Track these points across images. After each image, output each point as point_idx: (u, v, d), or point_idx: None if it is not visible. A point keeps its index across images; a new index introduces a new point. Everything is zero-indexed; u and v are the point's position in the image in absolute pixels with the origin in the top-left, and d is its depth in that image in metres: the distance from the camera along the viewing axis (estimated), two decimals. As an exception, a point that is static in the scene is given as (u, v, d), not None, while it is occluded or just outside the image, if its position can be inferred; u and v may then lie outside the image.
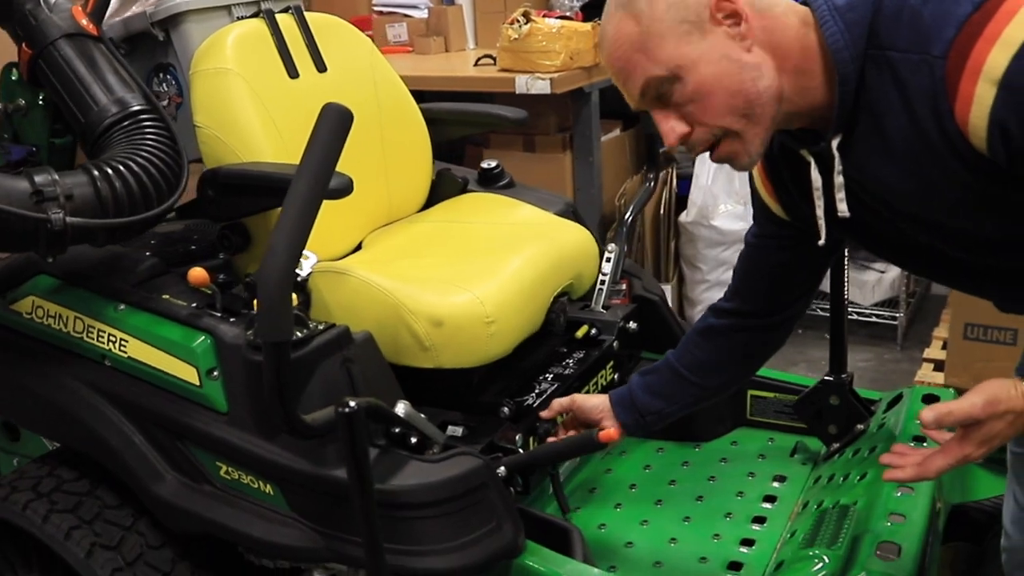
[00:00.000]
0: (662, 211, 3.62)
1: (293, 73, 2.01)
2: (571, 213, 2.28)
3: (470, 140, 3.80)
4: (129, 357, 1.69)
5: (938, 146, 1.22)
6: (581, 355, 2.06)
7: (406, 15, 4.24)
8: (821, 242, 1.42)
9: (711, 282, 3.74)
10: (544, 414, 1.85)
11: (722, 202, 3.66)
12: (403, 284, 1.76)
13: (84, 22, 1.83)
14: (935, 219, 1.33)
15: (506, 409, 1.82)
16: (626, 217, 2.45)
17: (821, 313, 3.46)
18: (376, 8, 4.36)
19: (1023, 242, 1.31)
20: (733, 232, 3.60)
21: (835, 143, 1.33)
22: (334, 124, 1.34)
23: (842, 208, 1.36)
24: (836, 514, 1.71)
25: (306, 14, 2.09)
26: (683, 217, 3.74)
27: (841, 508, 1.72)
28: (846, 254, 2.06)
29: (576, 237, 2.06)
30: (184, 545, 1.77)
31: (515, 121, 2.29)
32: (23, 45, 1.85)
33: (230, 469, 1.64)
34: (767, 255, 1.71)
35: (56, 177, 1.57)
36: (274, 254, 1.29)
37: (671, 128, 1.33)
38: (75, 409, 1.73)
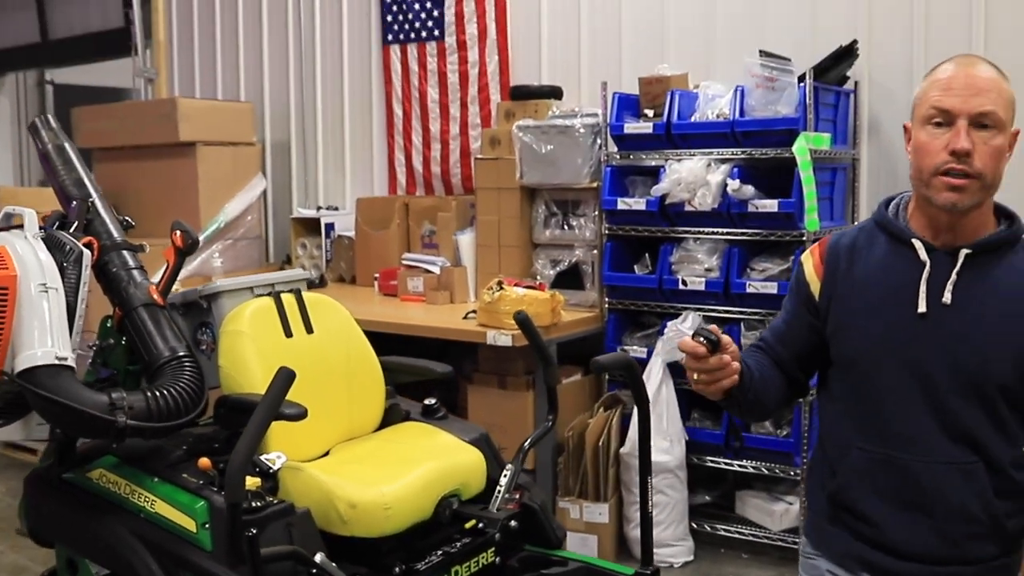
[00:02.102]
0: (601, 442, 4.51)
1: (288, 334, 3.05)
2: (483, 440, 3.22)
3: (462, 375, 4.78)
4: (156, 512, 2.65)
5: None
6: (467, 540, 2.96)
7: (426, 270, 5.33)
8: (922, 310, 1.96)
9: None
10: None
11: (654, 440, 4.53)
12: (336, 479, 2.73)
13: (155, 296, 2.89)
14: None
15: (397, 569, 2.72)
16: (524, 446, 3.36)
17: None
18: (404, 262, 5.47)
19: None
20: (661, 463, 4.44)
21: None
22: (283, 379, 2.33)
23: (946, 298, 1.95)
24: None
25: (303, 294, 3.14)
26: (623, 449, 4.62)
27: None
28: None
29: (468, 458, 3.02)
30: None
31: (442, 374, 3.30)
32: (117, 307, 2.91)
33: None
34: (795, 325, 2.19)
35: (124, 395, 2.58)
36: (236, 453, 2.26)
37: (968, 140, 1.89)
38: (119, 546, 2.69)
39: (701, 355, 1.92)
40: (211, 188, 5.99)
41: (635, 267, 4.73)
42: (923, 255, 1.99)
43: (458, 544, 2.93)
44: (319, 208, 6.32)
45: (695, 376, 1.97)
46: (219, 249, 6.03)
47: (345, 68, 6.33)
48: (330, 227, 6.07)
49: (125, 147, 6.20)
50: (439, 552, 2.87)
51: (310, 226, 6.19)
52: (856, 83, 4.51)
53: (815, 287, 2.15)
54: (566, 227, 4.92)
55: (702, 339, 1.91)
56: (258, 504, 2.49)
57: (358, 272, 5.83)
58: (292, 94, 6.61)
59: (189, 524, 2.58)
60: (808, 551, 2.19)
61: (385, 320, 4.58)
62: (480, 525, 3.00)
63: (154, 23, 7.26)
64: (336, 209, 6.26)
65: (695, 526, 4.54)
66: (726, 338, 1.96)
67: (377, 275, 5.53)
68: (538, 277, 4.82)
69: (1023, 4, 4.15)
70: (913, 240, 2.02)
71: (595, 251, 4.79)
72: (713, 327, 1.97)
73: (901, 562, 2.00)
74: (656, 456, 4.51)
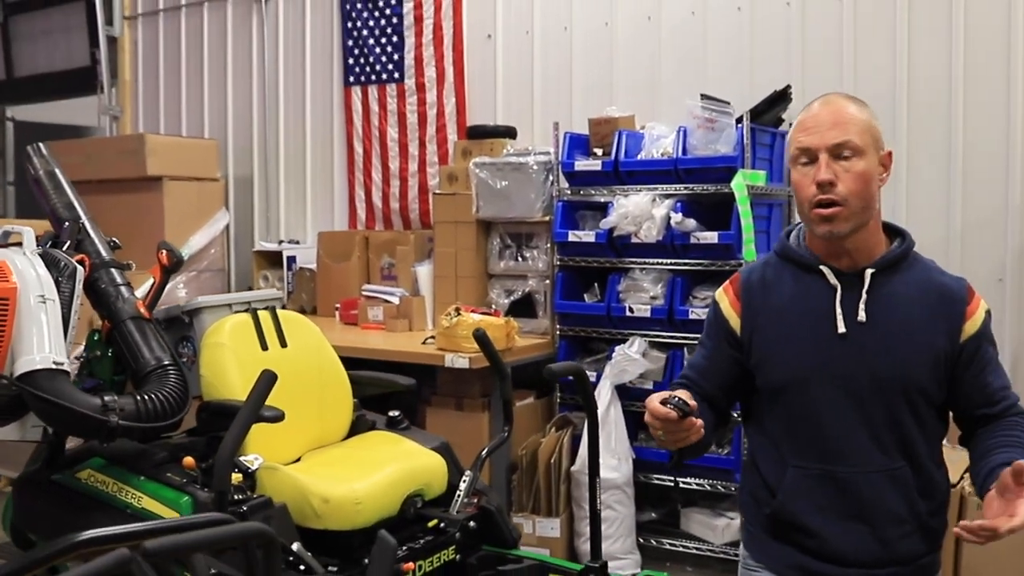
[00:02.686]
0: (553, 460, 4.76)
1: (264, 347, 3.28)
2: (443, 448, 3.46)
3: (421, 398, 5.01)
4: (142, 508, 2.86)
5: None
6: (430, 538, 3.19)
7: (385, 300, 5.57)
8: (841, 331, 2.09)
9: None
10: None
11: (601, 456, 4.79)
12: (310, 477, 2.95)
13: (142, 310, 3.12)
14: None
15: (366, 561, 2.94)
16: (482, 454, 3.60)
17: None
18: (364, 293, 5.71)
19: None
20: (610, 480, 4.69)
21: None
22: (266, 381, 2.57)
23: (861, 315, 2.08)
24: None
25: (278, 311, 3.38)
26: (574, 467, 4.87)
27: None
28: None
29: (430, 461, 3.26)
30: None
31: (406, 386, 3.54)
32: (105, 320, 3.13)
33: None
34: (717, 360, 2.28)
35: (116, 398, 2.80)
36: (224, 446, 2.49)
37: (829, 171, 2.03)
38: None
39: (672, 420, 1.97)
40: (176, 221, 6.19)
41: (585, 296, 5.01)
42: (832, 280, 2.13)
43: (422, 541, 3.16)
44: (280, 242, 6.55)
45: (660, 435, 2.03)
46: (183, 280, 6.21)
47: (307, 107, 6.59)
48: (292, 260, 6.29)
49: (92, 181, 6.36)
50: (404, 548, 3.10)
51: (272, 259, 6.40)
52: (790, 124, 4.84)
53: (735, 323, 2.25)
54: (520, 258, 5.20)
55: (673, 407, 1.96)
56: (240, 497, 2.71)
57: (319, 303, 6.05)
58: (255, 132, 6.84)
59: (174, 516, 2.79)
60: (749, 563, 2.30)
61: (347, 345, 4.79)
62: (442, 525, 3.24)
63: (120, 62, 7.50)
64: (297, 243, 6.50)
65: (642, 540, 4.78)
66: (694, 404, 2.03)
67: (338, 305, 5.75)
68: (493, 306, 5.09)
69: (940, 52, 4.52)
70: (821, 267, 2.15)
71: (547, 281, 5.07)
72: (684, 395, 2.04)
73: (844, 569, 2.11)
74: (605, 473, 4.78)
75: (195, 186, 6.36)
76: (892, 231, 2.23)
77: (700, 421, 2.02)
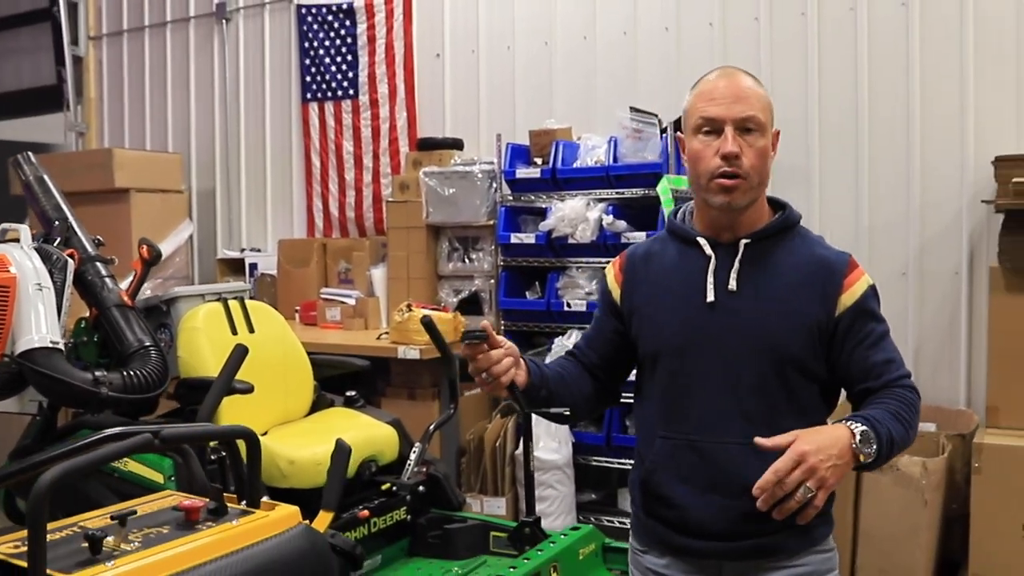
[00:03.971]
0: (498, 443, 5.16)
1: (234, 332, 3.68)
2: (396, 423, 3.86)
3: (375, 391, 5.41)
4: (128, 471, 3.23)
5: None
6: (384, 500, 3.59)
7: (342, 302, 5.95)
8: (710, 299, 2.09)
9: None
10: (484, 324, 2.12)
11: (543, 440, 5.20)
12: (277, 443, 3.34)
13: (125, 299, 3.50)
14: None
15: (328, 516, 3.33)
16: (430, 428, 4.00)
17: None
18: (322, 296, 6.09)
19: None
20: (550, 461, 5.10)
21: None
22: (239, 353, 2.97)
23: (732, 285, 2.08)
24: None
25: (246, 301, 3.77)
26: (518, 451, 5.27)
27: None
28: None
29: (384, 432, 3.67)
30: None
31: (360, 367, 3.94)
32: (92, 308, 3.50)
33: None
34: (603, 330, 2.32)
35: (106, 373, 3.18)
36: (203, 407, 2.88)
37: (736, 144, 2.02)
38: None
39: (479, 354, 2.03)
40: (143, 231, 6.45)
41: (527, 293, 5.42)
42: (708, 250, 2.12)
43: (376, 502, 3.56)
44: (243, 249, 6.91)
45: (480, 376, 2.06)
46: (150, 287, 6.52)
47: (267, 123, 6.95)
48: (254, 266, 6.65)
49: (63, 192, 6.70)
50: (360, 507, 3.50)
51: (234, 266, 6.76)
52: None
53: (616, 294, 2.27)
54: (467, 260, 5.61)
55: (468, 340, 2.02)
56: (214, 458, 3.10)
57: (280, 306, 6.34)
58: (218, 146, 7.19)
59: (157, 477, 3.17)
60: (636, 547, 2.27)
61: (307, 341, 5.14)
62: (394, 489, 3.63)
63: (85, 81, 7.82)
64: (259, 250, 6.86)
65: (582, 519, 5.17)
66: (497, 337, 2.07)
67: (298, 307, 6.12)
68: (443, 304, 5.50)
69: (847, 71, 5.00)
70: (698, 239, 2.15)
71: (492, 280, 5.48)
72: (484, 324, 2.08)
73: (703, 542, 2.09)
74: (546, 455, 5.19)
75: (160, 198, 6.69)
76: (776, 205, 2.23)
77: (508, 359, 2.05)
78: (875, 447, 1.89)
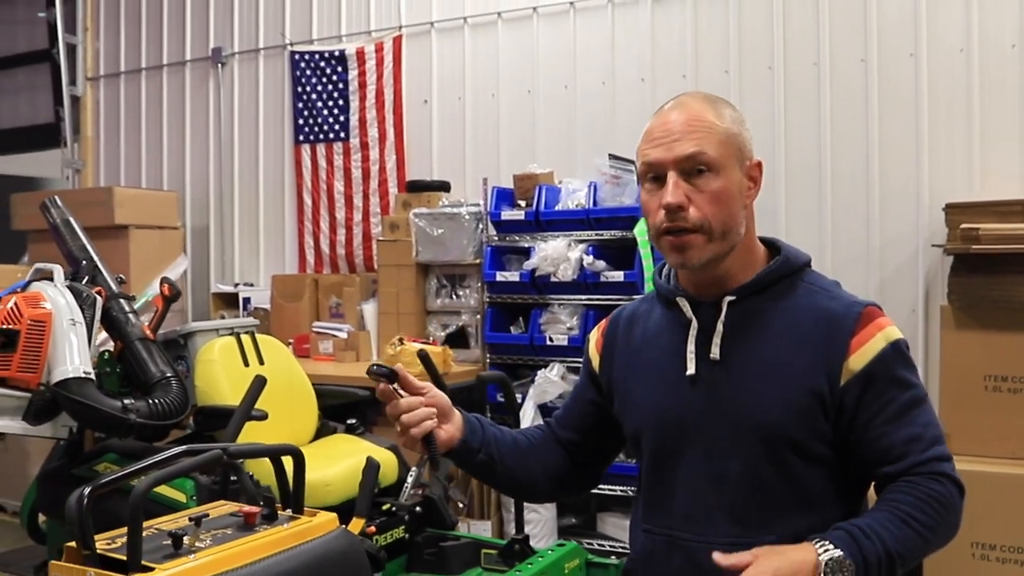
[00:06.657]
0: (484, 470, 5.46)
1: (246, 364, 3.98)
2: (393, 448, 4.16)
3: (366, 422, 5.67)
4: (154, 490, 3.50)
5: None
6: (384, 519, 3.88)
7: (334, 335, 6.24)
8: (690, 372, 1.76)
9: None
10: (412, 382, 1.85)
11: (526, 468, 5.51)
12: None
13: (148, 333, 3.79)
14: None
15: (334, 533, 3.62)
16: (424, 457, 4.30)
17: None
18: (315, 329, 6.38)
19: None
20: (533, 488, 5.41)
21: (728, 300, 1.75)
22: (259, 384, 3.27)
23: (714, 353, 1.75)
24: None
25: (257, 336, 4.07)
26: (502, 477, 5.57)
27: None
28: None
29: (384, 456, 3.96)
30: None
31: (362, 397, 4.24)
32: (117, 341, 3.79)
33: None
34: (580, 400, 2.06)
35: (133, 401, 3.47)
36: (228, 431, 3.17)
37: (678, 193, 1.67)
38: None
39: (389, 392, 1.79)
40: (141, 266, 6.78)
41: (511, 328, 5.69)
42: (688, 312, 1.81)
43: (378, 521, 3.85)
44: (236, 284, 7.19)
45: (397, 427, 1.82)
46: (146, 320, 6.81)
47: (260, 163, 7.23)
48: (247, 300, 6.92)
49: (62, 230, 6.97)
50: (367, 524, 3.79)
51: (228, 299, 7.02)
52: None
53: (596, 362, 2.00)
54: (454, 296, 5.91)
55: (371, 374, 1.79)
56: (235, 478, 3.38)
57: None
58: (212, 184, 7.46)
59: (180, 497, 3.44)
60: None
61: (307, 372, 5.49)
62: (393, 509, 3.93)
63: (83, 119, 8.09)
64: (252, 285, 7.14)
65: (564, 542, 5.46)
66: (418, 383, 1.83)
67: (291, 340, 6.39)
68: (431, 338, 5.80)
69: (810, 123, 5.36)
70: (677, 299, 1.84)
71: (478, 316, 5.77)
72: (397, 366, 1.84)
73: None
74: (529, 482, 5.52)
75: (157, 234, 6.96)
76: (772, 248, 1.89)
77: (425, 410, 1.80)
78: (853, 573, 1.55)
